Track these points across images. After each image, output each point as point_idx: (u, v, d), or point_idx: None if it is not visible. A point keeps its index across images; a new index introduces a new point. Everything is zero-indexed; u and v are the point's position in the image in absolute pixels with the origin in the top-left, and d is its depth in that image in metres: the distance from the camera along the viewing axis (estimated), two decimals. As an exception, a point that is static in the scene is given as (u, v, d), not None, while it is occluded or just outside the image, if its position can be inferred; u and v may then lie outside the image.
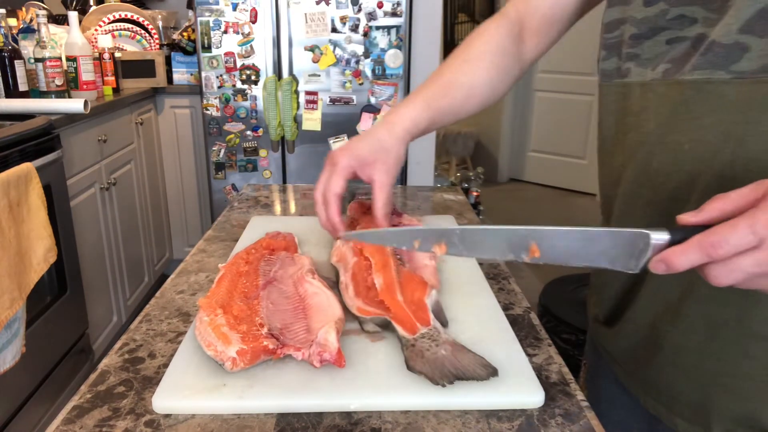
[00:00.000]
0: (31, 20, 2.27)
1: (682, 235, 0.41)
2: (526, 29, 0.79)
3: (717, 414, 0.59)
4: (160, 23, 2.89)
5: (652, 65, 0.59)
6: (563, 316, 2.06)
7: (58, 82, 2.09)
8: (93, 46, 2.42)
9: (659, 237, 0.42)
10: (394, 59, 2.43)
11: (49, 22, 2.16)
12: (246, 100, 2.48)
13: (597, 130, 0.74)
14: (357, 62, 2.43)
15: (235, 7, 2.37)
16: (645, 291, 0.64)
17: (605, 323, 0.74)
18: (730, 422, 0.58)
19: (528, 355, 0.58)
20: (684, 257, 0.40)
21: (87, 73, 2.22)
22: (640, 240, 0.42)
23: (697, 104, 0.54)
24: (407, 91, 2.49)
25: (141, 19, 2.74)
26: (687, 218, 0.42)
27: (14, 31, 2.15)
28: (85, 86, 2.22)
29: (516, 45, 0.78)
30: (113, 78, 2.45)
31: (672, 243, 0.41)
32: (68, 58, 2.18)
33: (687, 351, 0.60)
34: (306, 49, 2.42)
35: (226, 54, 2.42)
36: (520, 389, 0.52)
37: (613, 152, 0.66)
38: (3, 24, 1.94)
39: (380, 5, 2.36)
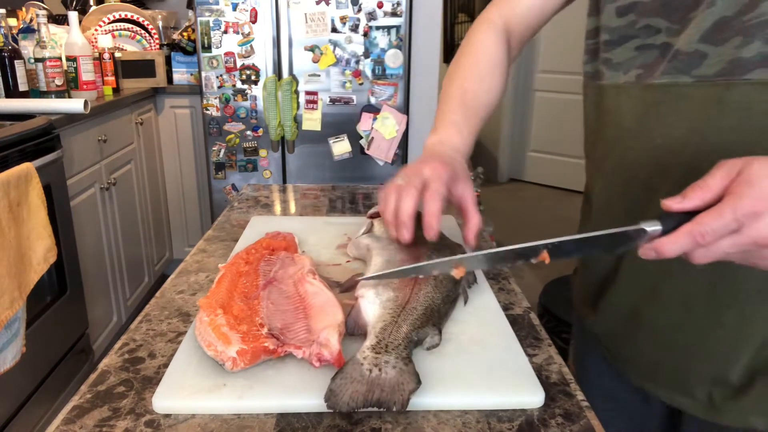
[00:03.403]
0: (31, 20, 2.27)
1: (671, 224, 0.46)
2: (511, 36, 0.83)
3: (696, 379, 0.66)
4: (160, 23, 2.89)
5: (623, 69, 0.67)
6: (563, 316, 2.06)
7: (58, 82, 2.09)
8: (93, 46, 2.42)
9: (653, 229, 0.47)
10: (394, 59, 2.43)
11: (49, 22, 2.16)
12: (246, 100, 2.48)
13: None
14: (357, 62, 2.43)
15: (235, 7, 2.37)
16: (624, 274, 0.71)
17: (589, 306, 0.81)
18: (708, 385, 0.65)
19: (528, 355, 0.58)
20: (674, 246, 0.45)
21: (87, 73, 2.22)
22: (638, 235, 0.48)
23: (666, 104, 0.62)
24: (407, 90, 2.49)
25: (141, 19, 2.74)
26: (672, 205, 0.47)
27: (14, 31, 2.15)
28: (85, 86, 2.22)
29: (507, 54, 0.82)
30: (113, 78, 2.45)
31: (663, 232, 0.47)
32: (68, 58, 2.18)
33: (664, 326, 0.67)
34: (306, 49, 2.42)
35: (226, 54, 2.42)
36: (520, 389, 0.52)
37: (595, 145, 0.75)
38: (3, 24, 1.94)
39: (380, 5, 2.36)
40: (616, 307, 0.73)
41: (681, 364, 0.67)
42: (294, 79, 2.45)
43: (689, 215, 0.46)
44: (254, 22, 2.39)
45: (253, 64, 2.44)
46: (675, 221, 0.46)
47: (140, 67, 2.64)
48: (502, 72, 0.80)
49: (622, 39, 0.67)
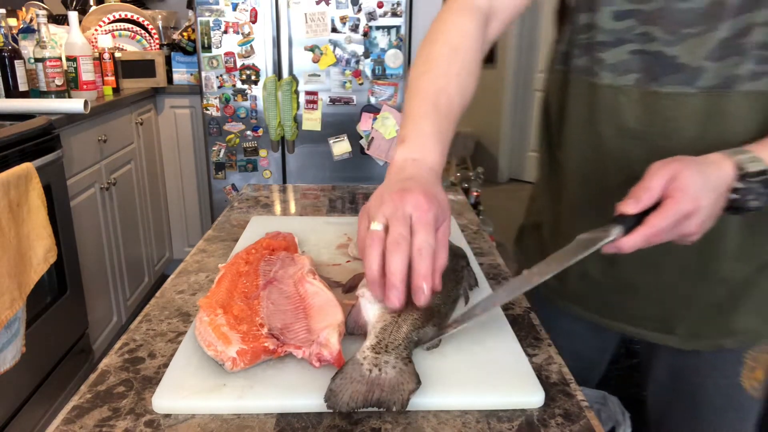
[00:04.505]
0: (31, 20, 2.27)
1: (629, 224, 0.58)
2: (493, 19, 0.78)
3: (679, 321, 0.81)
4: (160, 23, 2.89)
5: (619, 72, 0.74)
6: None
7: (58, 82, 2.09)
8: (93, 46, 2.41)
9: (616, 233, 0.58)
10: (394, 59, 2.43)
11: (49, 22, 2.15)
12: (246, 100, 2.48)
13: (554, 113, 0.86)
14: (357, 62, 2.43)
15: (235, 7, 2.37)
16: (627, 260, 0.73)
17: (569, 288, 0.88)
18: (687, 324, 0.80)
19: (528, 355, 0.58)
20: (632, 245, 0.58)
21: (87, 73, 2.22)
22: (606, 243, 0.59)
23: (671, 110, 0.71)
24: (407, 91, 2.49)
25: (141, 19, 2.74)
26: (628, 209, 0.58)
27: (14, 31, 2.15)
28: (85, 86, 2.22)
29: (483, 41, 0.77)
30: (113, 78, 2.45)
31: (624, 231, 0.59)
32: (68, 58, 2.18)
33: (661, 289, 0.79)
34: (306, 49, 2.42)
35: (226, 54, 2.42)
36: (520, 389, 0.52)
37: (582, 138, 0.80)
38: (3, 24, 1.94)
39: (380, 5, 2.36)
40: (612, 283, 0.82)
41: (668, 313, 0.81)
42: (294, 79, 2.45)
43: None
44: (254, 22, 2.39)
45: (253, 64, 2.44)
46: (631, 221, 0.58)
47: (140, 67, 2.64)
48: (479, 67, 0.74)
49: (618, 42, 0.73)
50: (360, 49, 2.41)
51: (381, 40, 2.40)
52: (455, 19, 0.76)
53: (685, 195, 0.57)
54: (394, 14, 2.37)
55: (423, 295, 0.53)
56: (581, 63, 0.78)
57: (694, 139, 0.70)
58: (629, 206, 0.58)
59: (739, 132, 0.69)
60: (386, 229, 0.54)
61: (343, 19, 2.38)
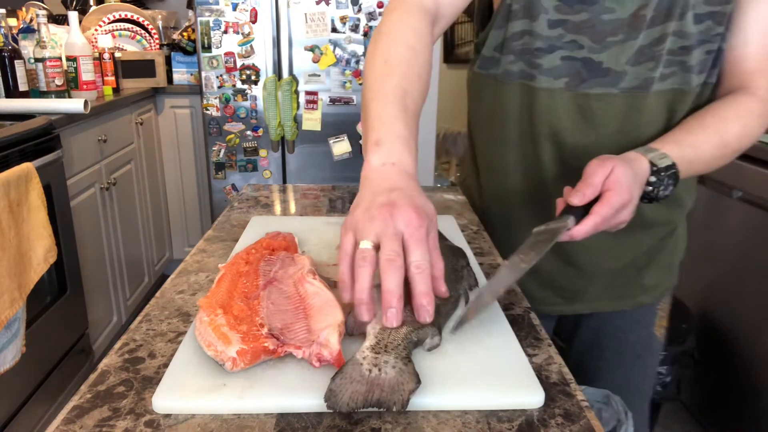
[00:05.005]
0: (31, 20, 2.27)
1: (577, 214, 0.67)
2: (439, 20, 0.81)
3: (604, 289, 0.95)
4: (160, 23, 2.89)
5: (553, 76, 0.81)
6: (563, 316, 2.06)
7: (58, 82, 2.09)
8: (93, 46, 2.42)
9: (570, 223, 0.67)
10: (394, 59, 2.43)
11: (49, 22, 2.15)
12: (246, 100, 2.48)
13: (484, 114, 0.92)
14: (357, 62, 2.43)
15: (235, 7, 2.37)
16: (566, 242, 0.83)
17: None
18: (615, 295, 0.96)
19: (528, 355, 0.58)
20: (583, 233, 0.66)
21: (87, 73, 2.22)
22: (565, 230, 0.66)
23: (599, 109, 0.81)
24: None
25: (141, 19, 2.74)
26: (576, 201, 0.67)
27: (14, 31, 2.15)
28: (85, 86, 2.22)
29: (432, 43, 0.78)
30: (113, 78, 2.45)
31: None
32: (68, 58, 2.18)
33: (590, 264, 0.92)
34: (306, 49, 2.42)
35: (226, 54, 2.42)
36: (520, 389, 0.52)
37: (520, 137, 0.87)
38: (3, 24, 1.94)
39: (380, 5, 2.36)
40: (553, 266, 0.92)
41: (596, 283, 0.94)
42: (294, 79, 2.45)
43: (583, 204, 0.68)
44: (254, 22, 2.39)
45: (253, 64, 2.44)
46: (579, 212, 0.67)
47: (140, 67, 2.64)
48: (431, 69, 0.75)
49: (552, 48, 0.80)
50: (360, 49, 2.41)
51: (381, 40, 2.40)
52: (408, 20, 0.75)
53: (621, 187, 0.66)
54: (394, 14, 2.37)
55: (427, 313, 0.53)
56: (516, 68, 0.84)
57: (614, 134, 0.81)
58: (576, 199, 0.67)
59: (650, 126, 0.81)
60: (375, 247, 0.54)
61: (343, 19, 2.38)
